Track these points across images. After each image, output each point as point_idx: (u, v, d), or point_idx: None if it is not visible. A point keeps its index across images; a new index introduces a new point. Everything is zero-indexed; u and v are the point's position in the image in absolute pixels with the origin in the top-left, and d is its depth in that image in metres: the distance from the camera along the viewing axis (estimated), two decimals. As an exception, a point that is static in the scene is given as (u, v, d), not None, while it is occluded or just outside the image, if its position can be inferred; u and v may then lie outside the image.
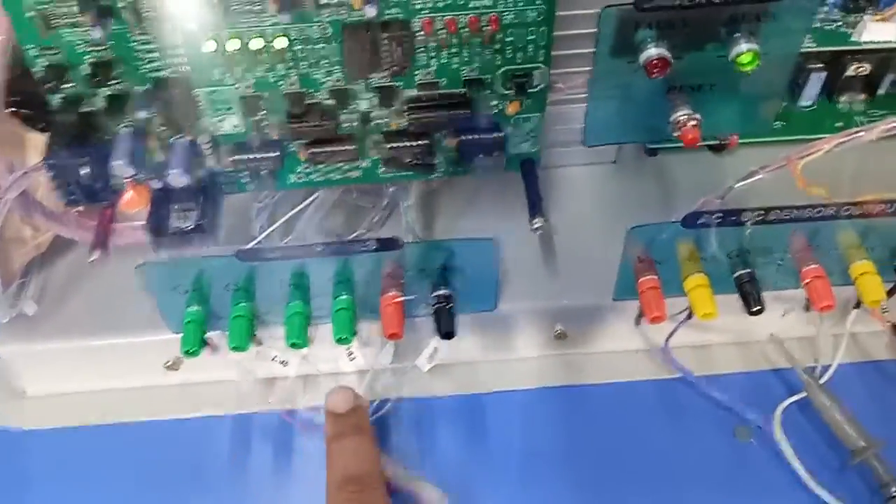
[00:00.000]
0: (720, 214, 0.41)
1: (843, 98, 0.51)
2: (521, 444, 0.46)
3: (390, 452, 0.46)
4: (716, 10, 0.32)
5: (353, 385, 0.47)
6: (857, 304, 0.47)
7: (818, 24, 0.46)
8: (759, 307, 0.42)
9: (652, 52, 0.33)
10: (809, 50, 0.45)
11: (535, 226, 0.40)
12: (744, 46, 0.33)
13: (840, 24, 0.46)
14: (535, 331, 0.47)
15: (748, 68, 0.33)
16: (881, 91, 0.51)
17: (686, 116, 0.36)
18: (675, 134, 0.36)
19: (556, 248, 0.48)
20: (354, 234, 0.48)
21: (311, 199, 0.44)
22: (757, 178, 0.40)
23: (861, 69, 0.50)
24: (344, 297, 0.43)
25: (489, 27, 0.36)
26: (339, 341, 0.42)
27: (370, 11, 0.33)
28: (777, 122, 0.51)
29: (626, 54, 0.33)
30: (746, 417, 0.46)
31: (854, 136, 0.38)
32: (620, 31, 0.33)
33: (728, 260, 0.43)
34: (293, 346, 0.42)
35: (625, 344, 0.48)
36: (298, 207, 0.44)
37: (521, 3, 0.35)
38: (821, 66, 0.50)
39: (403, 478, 0.43)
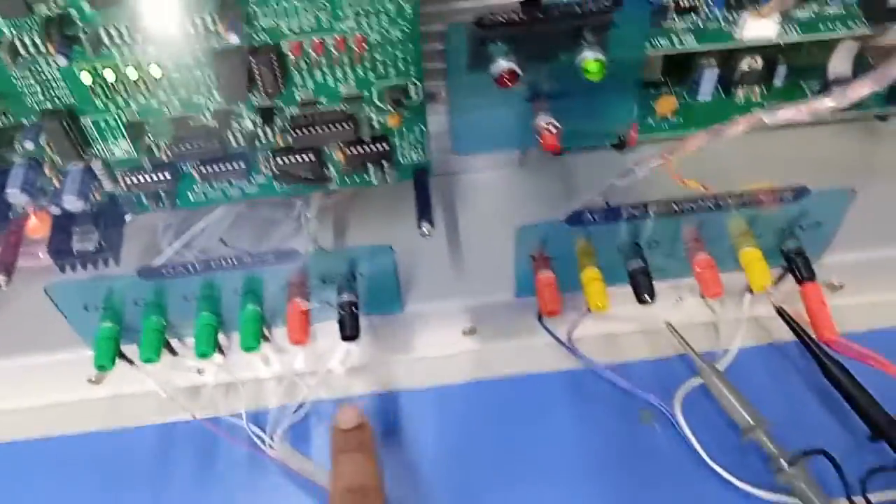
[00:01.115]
0: (601, 212, 0.42)
1: (739, 91, 0.53)
2: (436, 439, 0.48)
3: (309, 452, 0.47)
4: (558, 24, 0.33)
5: (272, 390, 0.49)
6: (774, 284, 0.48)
7: (702, 25, 0.47)
8: (649, 298, 0.44)
9: (502, 65, 0.34)
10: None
11: (423, 231, 0.41)
12: (589, 55, 0.35)
13: (724, 22, 0.47)
14: (446, 329, 0.49)
15: (596, 76, 0.35)
16: (777, 83, 0.53)
17: (545, 123, 0.37)
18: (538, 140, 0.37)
19: (465, 249, 0.50)
20: (265, 247, 0.49)
21: (210, 215, 0.45)
22: (633, 175, 0.42)
23: (754, 63, 0.51)
24: (250, 307, 0.45)
25: (356, 47, 0.37)
26: (247, 349, 0.44)
27: (233, 39, 0.34)
28: (677, 118, 0.52)
29: (480, 67, 0.35)
30: (650, 402, 0.47)
31: (720, 131, 0.40)
32: (471, 45, 0.34)
33: (621, 253, 0.45)
34: (202, 355, 0.44)
35: (532, 338, 0.49)
36: (199, 225, 0.45)
37: (386, 24, 0.36)
38: (714, 62, 0.51)
39: (312, 472, 0.45)
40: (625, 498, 0.45)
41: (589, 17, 0.32)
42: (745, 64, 0.52)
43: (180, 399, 0.48)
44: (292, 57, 0.38)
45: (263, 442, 0.47)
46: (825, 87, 0.52)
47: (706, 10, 0.47)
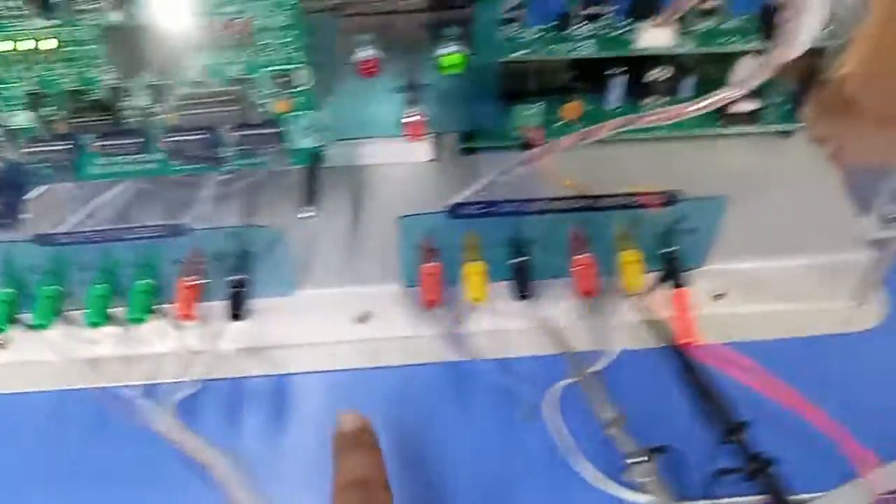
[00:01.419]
0: (481, 205, 0.44)
1: (646, 101, 0.55)
2: (322, 425, 0.49)
3: (196, 428, 0.48)
4: (418, 17, 0.35)
5: (167, 365, 0.50)
6: (651, 288, 0.50)
7: (604, 32, 0.49)
8: (525, 294, 0.46)
9: (363, 54, 0.36)
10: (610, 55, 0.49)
11: (303, 215, 0.43)
12: (448, 49, 0.36)
13: (623, 30, 0.49)
14: (338, 315, 0.50)
15: (456, 70, 0.36)
16: (684, 93, 0.55)
17: (411, 113, 0.39)
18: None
19: (365, 239, 0.51)
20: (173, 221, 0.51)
21: (114, 189, 0.46)
22: (514, 171, 0.44)
23: (661, 73, 0.53)
24: (141, 280, 0.46)
25: (242, 31, 0.39)
26: (132, 321, 0.45)
27: (117, 17, 0.35)
28: (583, 123, 0.54)
29: (345, 56, 0.36)
30: (529, 398, 0.49)
31: (589, 133, 0.41)
32: (336, 35, 0.36)
33: (505, 249, 0.46)
34: (92, 324, 0.45)
35: (423, 328, 0.51)
36: (105, 196, 0.47)
37: (270, 9, 0.38)
38: (622, 70, 0.53)
39: (195, 448, 0.46)
40: (493, 492, 0.46)
41: (445, 11, 0.34)
42: (654, 74, 0.53)
43: (76, 368, 0.49)
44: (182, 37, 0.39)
45: (152, 416, 0.48)
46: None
47: (609, 18, 0.49)
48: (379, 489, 0.39)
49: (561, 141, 0.41)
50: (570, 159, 0.51)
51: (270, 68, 0.41)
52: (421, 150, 0.54)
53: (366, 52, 0.35)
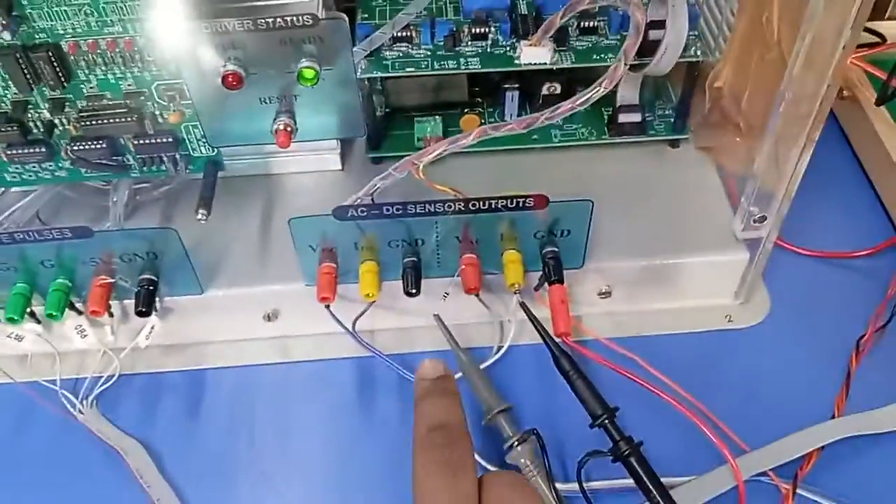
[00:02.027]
0: (365, 208, 0.47)
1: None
2: (233, 416, 0.52)
3: (116, 421, 0.52)
4: (273, 35, 0.39)
5: (87, 361, 0.54)
6: (537, 287, 0.53)
7: (489, 49, 0.53)
8: (412, 291, 0.49)
9: (228, 67, 0.39)
10: (504, 70, 0.53)
11: (199, 217, 0.46)
12: (303, 64, 0.40)
13: (507, 49, 0.53)
14: (248, 313, 0.54)
15: (311, 83, 0.40)
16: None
17: (281, 124, 0.42)
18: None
19: (274, 241, 0.55)
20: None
21: (33, 194, 0.51)
22: (392, 178, 0.47)
23: (553, 88, 0.57)
24: (57, 280, 0.50)
25: (126, 48, 0.43)
26: (49, 317, 0.49)
27: (6, 36, 0.39)
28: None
29: (211, 69, 0.40)
30: (423, 389, 0.52)
31: (456, 140, 0.45)
32: (199, 48, 0.39)
33: (395, 249, 0.50)
34: (10, 321, 0.49)
35: (328, 325, 0.54)
36: (25, 200, 0.51)
37: (149, 29, 0.42)
38: (515, 85, 0.57)
39: (115, 439, 0.50)
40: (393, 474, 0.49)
41: (294, 29, 0.37)
42: (546, 88, 0.57)
43: (2, 364, 0.53)
44: (71, 55, 0.43)
45: (75, 407, 0.52)
46: (615, 111, 0.57)
47: (494, 36, 0.53)
48: (460, 432, 0.39)
49: (432, 147, 0.44)
50: (473, 166, 0.55)
51: (157, 82, 0.45)
52: (330, 160, 0.57)
53: (230, 66, 0.39)
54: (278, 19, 0.37)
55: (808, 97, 0.42)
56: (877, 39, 0.66)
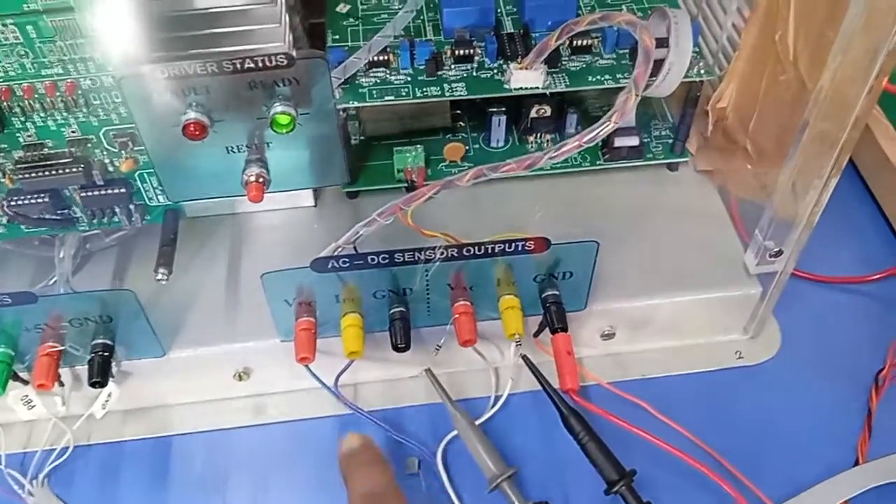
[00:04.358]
0: (348, 258, 0.42)
1: (530, 138, 0.54)
2: (203, 489, 0.47)
3: (70, 498, 0.46)
4: (241, 78, 0.33)
5: (36, 433, 0.48)
6: (537, 333, 0.48)
7: (475, 73, 0.48)
8: (401, 346, 0.44)
9: (189, 115, 0.34)
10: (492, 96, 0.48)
11: (158, 278, 0.41)
12: (276, 109, 0.35)
13: (495, 72, 0.48)
14: (218, 372, 0.49)
15: (286, 129, 0.35)
16: (570, 129, 0.54)
17: (252, 175, 0.37)
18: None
19: (242, 291, 0.50)
20: (41, 284, 0.49)
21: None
22: (376, 224, 0.42)
23: (542, 111, 0.52)
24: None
25: (68, 92, 0.37)
26: (-11, 394, 0.43)
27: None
28: (466, 163, 0.53)
29: (169, 117, 0.35)
30: (416, 449, 0.47)
31: (451, 182, 0.40)
32: (154, 94, 0.34)
33: (380, 300, 0.45)
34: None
35: (306, 382, 0.49)
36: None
37: (94, 70, 0.36)
38: (502, 109, 0.52)
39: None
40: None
41: (266, 70, 0.32)
42: (535, 111, 0.52)
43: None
44: (4, 101, 0.37)
45: (23, 488, 0.46)
46: (611, 134, 0.53)
47: (480, 58, 0.48)
48: (391, 497, 0.39)
49: (423, 190, 0.39)
50: (460, 194, 0.50)
51: (106, 128, 0.39)
52: (302, 195, 0.52)
53: (192, 115, 0.33)
54: (247, 60, 0.32)
55: (836, 126, 0.38)
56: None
